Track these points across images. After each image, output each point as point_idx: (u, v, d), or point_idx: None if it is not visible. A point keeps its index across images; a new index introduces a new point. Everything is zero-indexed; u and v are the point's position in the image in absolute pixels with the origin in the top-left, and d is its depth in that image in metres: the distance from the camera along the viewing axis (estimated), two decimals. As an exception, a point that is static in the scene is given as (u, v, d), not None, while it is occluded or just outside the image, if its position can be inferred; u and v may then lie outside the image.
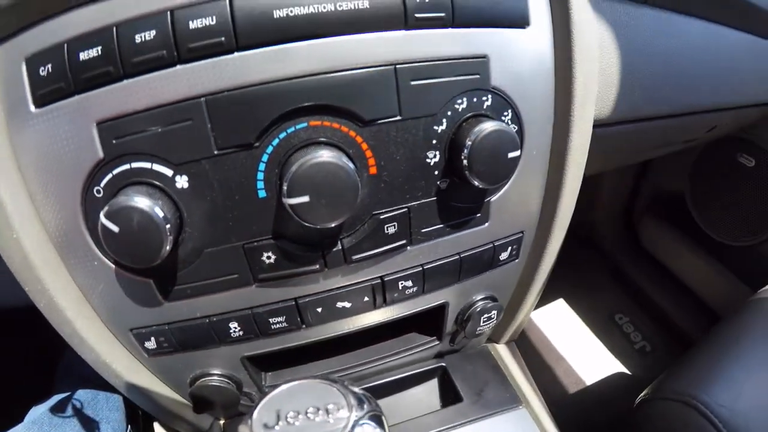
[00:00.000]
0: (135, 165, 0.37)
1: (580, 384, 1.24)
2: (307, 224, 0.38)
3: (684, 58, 0.65)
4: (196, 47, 0.36)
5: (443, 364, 0.64)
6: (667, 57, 0.63)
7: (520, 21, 0.45)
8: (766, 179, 1.07)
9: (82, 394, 0.66)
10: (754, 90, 0.82)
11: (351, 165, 0.38)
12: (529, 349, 1.32)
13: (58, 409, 0.63)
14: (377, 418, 0.31)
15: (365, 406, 0.30)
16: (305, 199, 0.37)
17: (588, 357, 1.29)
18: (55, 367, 0.75)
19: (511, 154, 0.43)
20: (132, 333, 0.46)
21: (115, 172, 0.37)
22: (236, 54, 0.36)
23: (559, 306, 1.43)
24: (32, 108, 0.37)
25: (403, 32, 0.40)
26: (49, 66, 0.36)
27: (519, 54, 0.45)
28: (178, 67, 0.36)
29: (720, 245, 1.19)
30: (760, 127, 1.03)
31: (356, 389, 0.32)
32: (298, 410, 0.30)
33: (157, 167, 0.37)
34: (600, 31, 0.56)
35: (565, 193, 0.53)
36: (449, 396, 0.63)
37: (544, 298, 1.43)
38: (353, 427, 0.29)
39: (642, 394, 0.74)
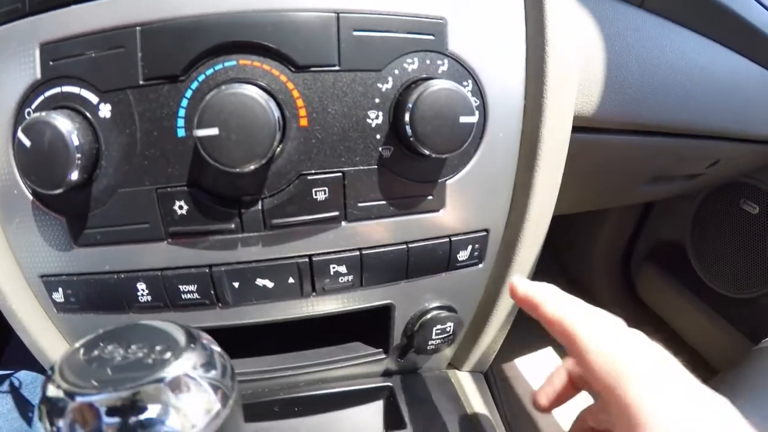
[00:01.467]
0: (65, 89, 0.37)
1: (564, 439, 1.12)
2: (215, 164, 0.34)
3: (677, 69, 0.61)
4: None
5: (390, 384, 0.56)
6: (658, 63, 0.58)
7: (486, -14, 0.41)
8: (772, 228, 1.00)
9: (24, 375, 0.67)
10: (754, 122, 0.77)
11: (272, 105, 0.34)
12: (512, 398, 1.21)
13: None
14: (222, 394, 0.23)
15: (212, 372, 0.23)
16: (214, 131, 0.34)
17: (575, 410, 1.18)
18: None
19: (463, 119, 0.38)
20: (42, 280, 0.44)
21: (47, 94, 0.37)
22: None
23: (548, 354, 1.33)
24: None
25: (350, -21, 0.37)
26: None
27: (483, 21, 0.41)
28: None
29: (720, 297, 1.11)
30: (765, 171, 0.98)
31: (219, 352, 0.24)
32: (124, 346, 0.23)
33: (84, 93, 0.37)
34: (584, 20, 0.52)
35: (537, 188, 0.47)
36: (394, 422, 0.54)
37: (532, 346, 1.34)
38: (176, 378, 0.21)
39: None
